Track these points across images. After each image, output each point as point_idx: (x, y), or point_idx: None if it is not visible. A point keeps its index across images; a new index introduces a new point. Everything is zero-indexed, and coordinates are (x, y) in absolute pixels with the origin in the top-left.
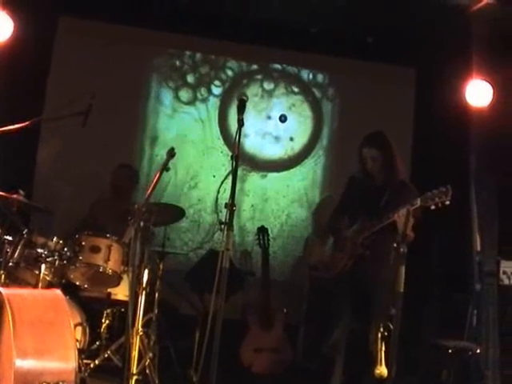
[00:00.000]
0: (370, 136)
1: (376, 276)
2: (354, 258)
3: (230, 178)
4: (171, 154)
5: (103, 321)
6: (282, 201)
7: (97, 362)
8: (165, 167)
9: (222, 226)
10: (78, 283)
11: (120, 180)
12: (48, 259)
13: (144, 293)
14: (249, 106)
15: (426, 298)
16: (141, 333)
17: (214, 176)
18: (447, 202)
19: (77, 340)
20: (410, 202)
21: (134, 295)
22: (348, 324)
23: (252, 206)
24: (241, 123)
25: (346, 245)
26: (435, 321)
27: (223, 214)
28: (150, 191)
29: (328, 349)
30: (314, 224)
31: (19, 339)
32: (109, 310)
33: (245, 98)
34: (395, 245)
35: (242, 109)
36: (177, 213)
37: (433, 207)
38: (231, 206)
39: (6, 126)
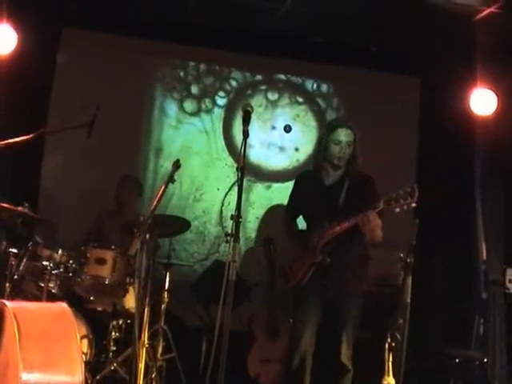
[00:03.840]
0: (342, 119)
1: (341, 286)
2: (314, 267)
3: (235, 189)
4: (177, 165)
5: (109, 333)
6: None
7: (103, 374)
8: (170, 179)
9: (228, 238)
10: (83, 295)
11: (124, 191)
12: (53, 272)
13: (150, 305)
14: (253, 116)
15: (432, 308)
16: (147, 345)
17: (219, 189)
18: (413, 205)
19: (83, 352)
20: (372, 205)
21: (141, 307)
22: (314, 333)
23: (257, 217)
24: (246, 135)
25: (305, 253)
26: (441, 330)
27: (228, 226)
28: (155, 203)
29: (299, 358)
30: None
31: (25, 353)
32: (115, 322)
33: (250, 109)
34: (402, 255)
35: (247, 120)
36: (182, 224)
37: (397, 210)
38: (237, 217)
39: (10, 138)
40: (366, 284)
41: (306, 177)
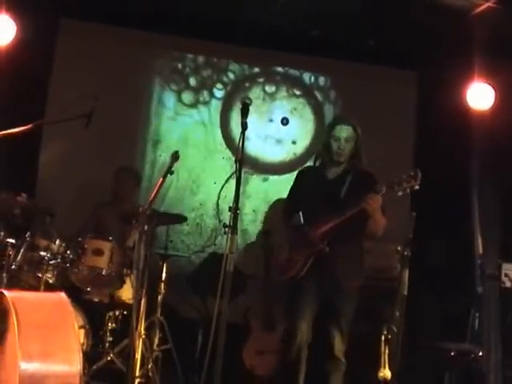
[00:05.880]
0: (343, 116)
1: (335, 281)
2: (312, 257)
3: (231, 182)
4: (175, 157)
5: (105, 324)
6: None
7: (100, 364)
8: (169, 170)
9: (226, 230)
10: (80, 286)
11: (122, 182)
12: (51, 262)
13: (147, 296)
14: (251, 108)
15: (428, 301)
16: (143, 336)
17: (215, 182)
18: (416, 187)
19: None
20: (374, 190)
21: (138, 298)
22: (310, 325)
23: (253, 209)
24: (245, 126)
25: (304, 244)
26: (437, 323)
27: (224, 219)
28: (154, 195)
29: (296, 350)
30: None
31: (24, 342)
32: (111, 313)
33: (248, 101)
34: (399, 248)
35: (245, 112)
36: (179, 219)
37: (400, 193)
38: (235, 209)
39: (8, 129)
40: (361, 279)
41: (307, 171)
